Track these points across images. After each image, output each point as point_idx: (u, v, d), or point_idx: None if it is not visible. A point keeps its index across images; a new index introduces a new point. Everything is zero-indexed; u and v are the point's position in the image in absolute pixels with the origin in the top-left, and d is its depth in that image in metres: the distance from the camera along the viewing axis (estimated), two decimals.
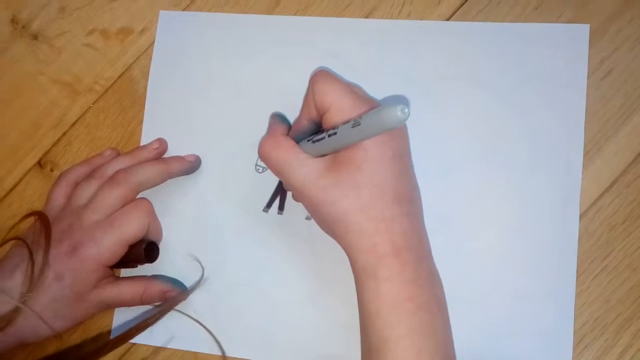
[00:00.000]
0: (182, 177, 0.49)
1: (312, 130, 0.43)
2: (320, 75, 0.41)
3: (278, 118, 0.47)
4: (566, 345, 0.43)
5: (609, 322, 0.43)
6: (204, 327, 0.47)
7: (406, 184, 0.40)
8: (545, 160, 0.45)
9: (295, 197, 0.46)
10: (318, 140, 0.40)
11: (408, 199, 0.40)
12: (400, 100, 0.47)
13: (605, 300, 0.43)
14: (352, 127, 0.37)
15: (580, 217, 0.44)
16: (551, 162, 0.45)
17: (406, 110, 0.33)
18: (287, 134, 0.44)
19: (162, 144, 0.50)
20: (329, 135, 0.39)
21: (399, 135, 0.41)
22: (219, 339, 0.47)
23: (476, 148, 0.46)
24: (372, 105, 0.40)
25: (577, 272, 0.43)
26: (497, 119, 0.46)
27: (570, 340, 0.43)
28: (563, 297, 0.43)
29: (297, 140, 0.43)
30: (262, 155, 0.43)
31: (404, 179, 0.40)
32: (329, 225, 0.41)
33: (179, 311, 0.48)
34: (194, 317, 0.48)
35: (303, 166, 0.40)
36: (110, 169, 0.48)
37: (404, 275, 0.38)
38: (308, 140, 0.41)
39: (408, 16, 0.48)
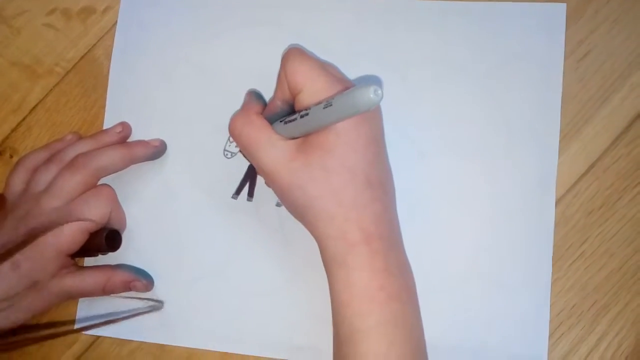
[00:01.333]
0: (147, 162, 0.48)
1: (285, 111, 0.42)
2: (293, 54, 0.40)
3: (254, 96, 0.45)
4: (542, 333, 0.42)
5: (586, 309, 0.42)
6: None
7: (378, 169, 0.39)
8: (521, 144, 0.44)
9: (265, 181, 0.45)
10: (290, 122, 0.39)
11: (380, 185, 0.39)
12: (373, 80, 0.46)
13: (581, 287, 0.42)
14: (323, 109, 0.35)
15: (557, 202, 0.43)
16: (527, 146, 0.44)
17: (379, 91, 0.32)
18: (261, 113, 0.42)
19: (125, 127, 0.48)
20: (301, 117, 0.38)
21: (372, 120, 0.39)
22: (186, 330, 0.46)
23: (450, 132, 0.45)
24: (347, 85, 0.39)
25: (554, 258, 0.43)
26: (472, 102, 0.45)
27: (546, 328, 0.42)
28: (539, 284, 0.42)
29: (271, 121, 0.41)
30: (232, 132, 0.41)
31: (377, 164, 0.39)
32: (298, 210, 0.39)
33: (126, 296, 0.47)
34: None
35: (273, 147, 0.39)
36: (70, 153, 0.46)
37: (375, 264, 0.37)
38: (280, 122, 0.40)
39: None
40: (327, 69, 0.40)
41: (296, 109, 0.40)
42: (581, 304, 0.42)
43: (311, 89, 0.38)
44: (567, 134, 0.44)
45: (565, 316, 0.42)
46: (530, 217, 0.43)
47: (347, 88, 0.38)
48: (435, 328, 0.42)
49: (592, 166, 0.43)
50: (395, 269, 0.38)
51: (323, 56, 0.46)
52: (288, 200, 0.40)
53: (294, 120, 0.38)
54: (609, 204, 0.43)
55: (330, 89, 0.38)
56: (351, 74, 0.46)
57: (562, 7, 0.45)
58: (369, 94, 0.32)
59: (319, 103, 0.37)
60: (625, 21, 0.44)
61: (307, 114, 0.37)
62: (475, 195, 0.44)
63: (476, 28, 0.45)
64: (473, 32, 0.45)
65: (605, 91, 0.44)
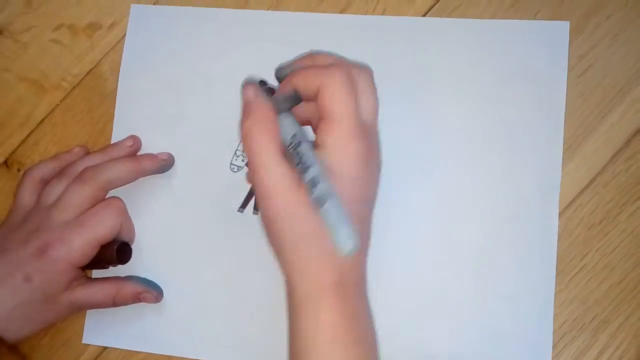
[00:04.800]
0: (155, 175, 0.48)
1: (293, 100, 0.38)
2: (340, 78, 0.36)
3: (261, 93, 0.39)
4: (546, 345, 0.42)
5: (587, 322, 0.42)
6: None
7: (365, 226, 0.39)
8: (524, 158, 0.44)
9: (256, 198, 0.42)
10: (290, 153, 0.37)
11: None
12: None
13: (583, 300, 0.43)
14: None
15: (559, 216, 0.43)
16: (531, 160, 0.44)
17: (353, 252, 0.32)
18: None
19: (136, 141, 0.49)
20: (299, 174, 0.36)
21: (373, 183, 0.38)
22: (193, 341, 0.47)
23: (455, 146, 0.45)
24: (367, 139, 0.36)
25: (556, 271, 0.43)
26: (476, 117, 0.45)
27: (550, 341, 0.42)
28: (542, 297, 0.43)
29: (278, 105, 0.38)
30: (244, 134, 0.37)
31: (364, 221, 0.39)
32: (277, 241, 0.38)
33: None
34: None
35: (279, 166, 0.36)
36: (80, 167, 0.47)
37: (345, 307, 0.37)
38: (291, 145, 0.37)
39: (383, 12, 0.48)
40: (359, 112, 0.36)
41: (315, 131, 0.37)
42: (582, 317, 0.42)
43: (335, 130, 0.35)
44: (568, 149, 0.44)
45: (567, 329, 0.42)
46: (534, 230, 0.43)
47: (366, 146, 0.36)
48: (438, 339, 0.43)
49: (592, 181, 0.43)
50: (362, 315, 0.38)
51: None
52: (272, 227, 0.37)
53: (294, 158, 0.36)
54: (610, 219, 0.43)
55: (349, 141, 0.35)
56: None
57: (566, 25, 0.45)
58: (343, 247, 0.32)
59: (314, 190, 0.34)
60: (624, 37, 0.44)
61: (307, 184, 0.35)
62: (479, 208, 0.44)
63: (480, 45, 0.46)
64: (476, 49, 0.46)
65: (605, 106, 0.44)
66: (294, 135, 0.37)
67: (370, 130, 0.37)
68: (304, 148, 0.36)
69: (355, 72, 0.37)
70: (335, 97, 0.35)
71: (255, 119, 0.37)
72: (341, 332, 0.36)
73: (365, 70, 0.38)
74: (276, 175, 0.36)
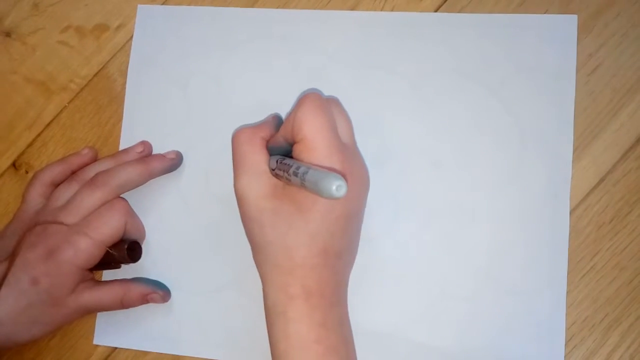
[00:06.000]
0: (164, 175, 0.48)
1: (287, 148, 0.41)
2: (309, 102, 0.39)
3: (274, 121, 0.45)
4: (558, 345, 0.42)
5: (597, 322, 0.42)
6: None
7: (340, 242, 0.39)
8: (535, 155, 0.44)
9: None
10: (280, 167, 0.39)
11: (335, 255, 0.39)
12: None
13: (593, 300, 0.43)
14: (300, 184, 0.36)
15: (569, 214, 0.43)
16: (541, 158, 0.44)
17: (343, 190, 0.32)
18: (268, 140, 0.42)
19: (146, 147, 0.49)
20: (288, 174, 0.38)
21: (355, 198, 0.40)
22: (203, 341, 0.47)
23: (465, 143, 0.45)
24: (346, 155, 0.39)
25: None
26: (486, 113, 0.45)
27: (563, 340, 0.42)
28: (554, 296, 0.43)
29: (272, 151, 0.41)
30: (233, 141, 0.42)
31: (340, 237, 0.39)
32: (251, 243, 0.40)
33: None
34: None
35: (255, 176, 0.40)
36: (92, 172, 0.47)
37: (313, 318, 0.38)
38: (277, 160, 0.40)
39: (392, 10, 0.47)
40: (335, 130, 0.39)
41: (293, 154, 0.40)
42: (593, 316, 0.42)
43: (310, 146, 0.38)
44: (578, 148, 0.44)
45: (577, 329, 0.42)
46: (545, 229, 0.43)
47: (343, 158, 0.38)
48: (451, 336, 0.43)
49: (602, 180, 0.43)
50: (334, 325, 0.38)
51: (336, 69, 0.47)
52: (246, 229, 0.40)
53: (282, 169, 0.38)
54: (620, 218, 0.43)
55: (326, 157, 0.38)
56: (364, 85, 0.47)
57: (574, 18, 0.45)
58: (332, 188, 0.32)
59: (297, 172, 0.36)
60: (634, 35, 0.44)
61: (289, 180, 0.37)
62: (490, 206, 0.44)
63: (488, 40, 0.46)
64: (485, 43, 0.46)
65: (614, 105, 0.44)
66: (279, 158, 0.39)
67: (347, 147, 0.40)
68: (287, 159, 0.38)
69: (325, 99, 0.40)
70: (308, 120, 0.38)
71: (248, 130, 0.42)
72: (310, 342, 0.37)
73: (333, 98, 0.42)
74: (250, 185, 0.40)
